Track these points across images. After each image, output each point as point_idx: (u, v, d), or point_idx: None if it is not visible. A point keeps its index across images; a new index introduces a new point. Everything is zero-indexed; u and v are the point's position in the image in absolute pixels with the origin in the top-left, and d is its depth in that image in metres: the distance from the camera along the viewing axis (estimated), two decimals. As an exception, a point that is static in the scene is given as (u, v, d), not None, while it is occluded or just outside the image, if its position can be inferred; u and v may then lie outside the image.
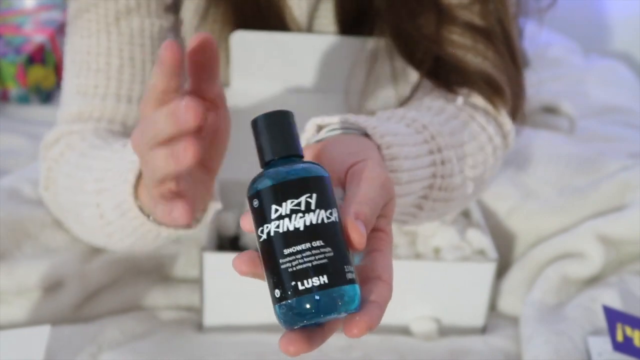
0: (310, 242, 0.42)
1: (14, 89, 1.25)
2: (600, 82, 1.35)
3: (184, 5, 0.84)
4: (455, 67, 0.75)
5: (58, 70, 1.31)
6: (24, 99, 1.25)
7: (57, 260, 0.78)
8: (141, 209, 0.61)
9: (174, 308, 0.84)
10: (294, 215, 0.42)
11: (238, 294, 0.78)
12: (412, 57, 0.77)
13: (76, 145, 0.73)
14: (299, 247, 0.42)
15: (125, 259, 0.83)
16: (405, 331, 0.80)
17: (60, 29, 1.33)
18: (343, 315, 0.43)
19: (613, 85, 1.35)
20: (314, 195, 0.43)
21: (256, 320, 0.79)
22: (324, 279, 0.42)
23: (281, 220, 0.42)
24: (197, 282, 0.82)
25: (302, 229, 0.42)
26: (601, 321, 0.76)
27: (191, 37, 0.86)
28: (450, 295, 0.80)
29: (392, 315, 0.80)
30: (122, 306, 0.82)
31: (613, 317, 0.71)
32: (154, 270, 0.86)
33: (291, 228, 0.42)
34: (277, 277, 0.43)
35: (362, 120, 0.59)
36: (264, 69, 0.88)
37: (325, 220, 0.43)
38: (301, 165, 0.44)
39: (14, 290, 0.77)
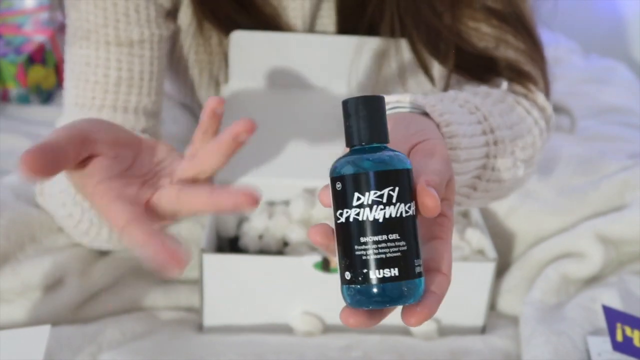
0: (387, 235, 0.44)
1: (14, 89, 1.25)
2: (600, 82, 1.35)
3: (180, 12, 0.84)
4: (480, 59, 0.76)
5: (58, 70, 1.31)
6: (24, 99, 1.25)
7: (60, 259, 0.78)
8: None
9: (174, 308, 0.84)
10: (375, 206, 0.44)
11: (237, 294, 0.78)
12: (437, 51, 0.78)
13: None
14: (375, 238, 0.44)
15: (127, 260, 0.83)
16: (404, 331, 0.80)
17: (60, 29, 1.33)
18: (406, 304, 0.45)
19: (613, 85, 1.35)
20: (397, 189, 0.44)
21: (255, 320, 0.79)
22: (395, 271, 0.44)
23: (362, 209, 0.44)
24: (197, 283, 0.82)
25: (381, 220, 0.44)
26: (601, 321, 0.76)
27: (189, 44, 0.86)
28: (450, 295, 0.79)
29: (391, 315, 0.80)
30: (122, 307, 0.82)
31: (613, 317, 0.71)
32: (155, 271, 0.86)
33: (370, 218, 0.44)
34: (349, 261, 0.44)
35: (420, 99, 0.60)
36: (262, 69, 0.88)
37: (404, 214, 0.44)
38: (387, 155, 0.45)
39: (18, 289, 0.77)
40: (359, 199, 0.44)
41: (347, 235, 0.44)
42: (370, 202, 0.44)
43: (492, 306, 0.86)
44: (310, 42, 0.86)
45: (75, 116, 0.76)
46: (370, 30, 0.83)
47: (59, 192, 0.67)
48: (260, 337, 0.77)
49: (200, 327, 0.80)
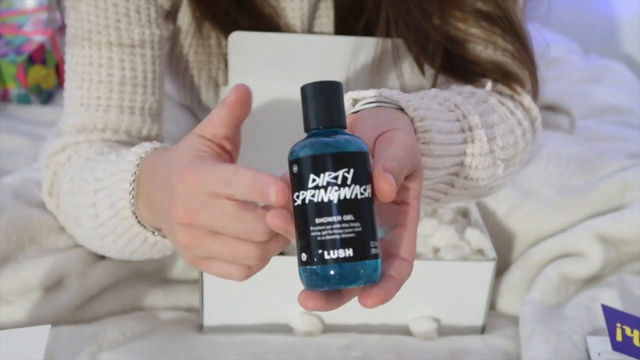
0: (342, 216, 0.44)
1: (14, 89, 1.25)
2: (600, 82, 1.36)
3: (180, 12, 0.84)
4: (467, 61, 0.77)
5: (59, 70, 1.31)
6: (24, 99, 1.25)
7: (60, 260, 0.78)
8: (134, 213, 0.62)
9: (174, 308, 0.84)
10: (329, 188, 0.45)
11: (237, 294, 0.78)
12: (425, 52, 0.78)
13: (83, 151, 0.74)
14: (330, 219, 0.44)
15: (127, 262, 0.83)
16: (404, 331, 0.80)
17: (60, 29, 1.33)
18: (362, 285, 0.45)
19: (613, 85, 1.35)
20: (351, 171, 0.45)
21: (255, 320, 0.79)
22: (349, 252, 0.44)
23: (317, 190, 0.45)
24: (197, 283, 0.82)
25: (335, 201, 0.44)
26: (600, 321, 0.76)
27: (189, 44, 0.86)
28: (450, 295, 0.80)
29: (391, 315, 0.80)
30: (122, 307, 0.82)
31: (612, 316, 0.71)
32: (155, 272, 0.86)
33: (325, 199, 0.44)
34: (305, 242, 0.45)
35: (396, 94, 0.60)
36: (262, 69, 0.88)
37: (359, 196, 0.45)
38: (343, 138, 0.46)
39: (18, 290, 0.77)
40: (314, 180, 0.45)
41: (304, 216, 0.45)
42: (325, 184, 0.44)
43: (492, 306, 0.86)
44: (309, 42, 0.86)
45: (80, 117, 0.76)
46: (368, 30, 0.83)
47: (93, 191, 0.67)
48: (260, 337, 0.77)
49: (200, 327, 0.80)
